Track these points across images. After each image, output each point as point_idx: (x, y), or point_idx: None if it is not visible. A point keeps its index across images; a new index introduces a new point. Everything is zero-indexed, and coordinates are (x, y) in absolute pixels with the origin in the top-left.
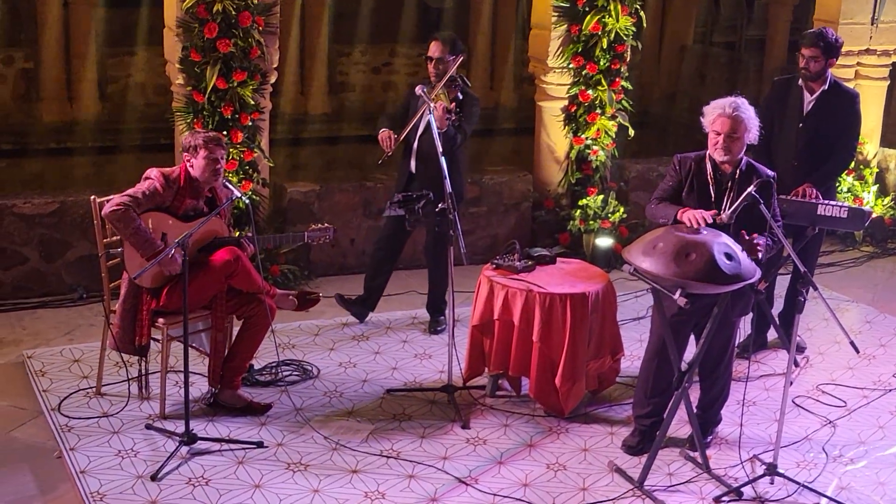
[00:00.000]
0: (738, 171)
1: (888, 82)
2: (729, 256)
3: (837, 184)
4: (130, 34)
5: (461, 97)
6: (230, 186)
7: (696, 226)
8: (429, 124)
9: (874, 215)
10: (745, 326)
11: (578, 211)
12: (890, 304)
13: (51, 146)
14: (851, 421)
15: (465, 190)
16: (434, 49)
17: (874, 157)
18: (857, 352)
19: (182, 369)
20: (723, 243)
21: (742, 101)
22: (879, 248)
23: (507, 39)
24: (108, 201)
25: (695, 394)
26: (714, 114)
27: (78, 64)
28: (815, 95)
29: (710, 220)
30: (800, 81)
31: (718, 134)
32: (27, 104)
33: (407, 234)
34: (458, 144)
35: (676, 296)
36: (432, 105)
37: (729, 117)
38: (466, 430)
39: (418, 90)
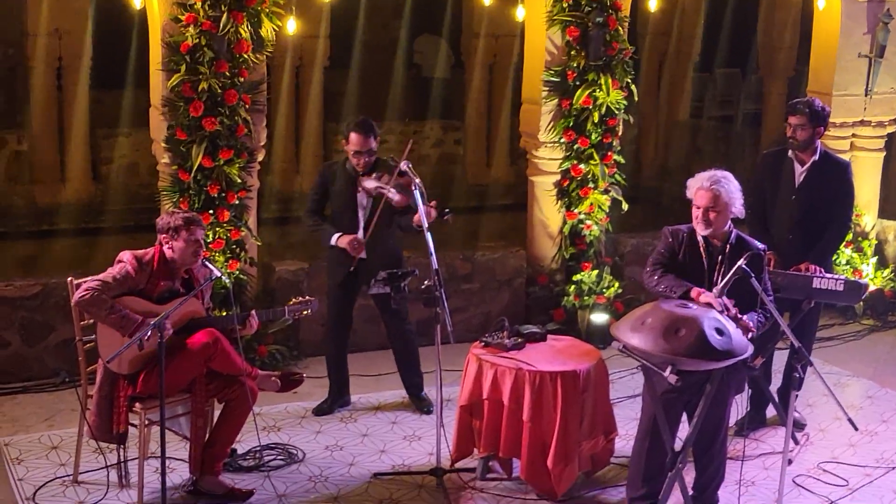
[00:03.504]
0: (727, 245)
1: (884, 153)
2: (720, 332)
3: (836, 256)
4: (124, 115)
5: (418, 185)
6: (209, 266)
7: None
8: (387, 202)
9: (872, 288)
10: (743, 404)
11: (573, 286)
12: (891, 379)
13: (43, 228)
14: (854, 501)
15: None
16: (358, 142)
17: (872, 228)
18: (856, 429)
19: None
20: (713, 318)
21: (723, 175)
22: (880, 321)
23: (503, 115)
24: (79, 286)
25: (690, 475)
26: (694, 187)
27: (71, 145)
28: (805, 167)
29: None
30: (790, 153)
31: (698, 207)
32: (21, 186)
33: (350, 316)
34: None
35: (667, 373)
36: (417, 181)
37: (707, 191)
38: None
39: (404, 166)
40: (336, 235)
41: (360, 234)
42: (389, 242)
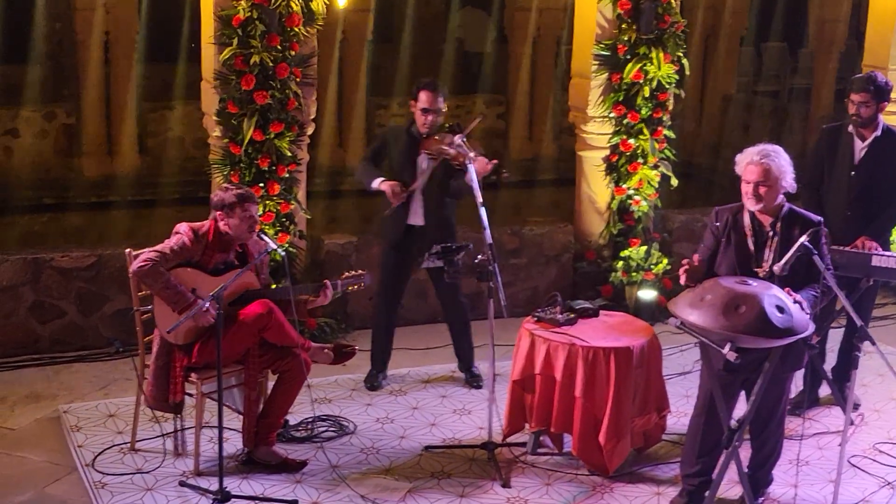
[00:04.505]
0: (778, 221)
1: None
2: (780, 309)
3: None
4: (170, 89)
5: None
6: (265, 238)
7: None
8: (434, 174)
9: None
10: (796, 382)
11: (621, 262)
12: None
13: (91, 200)
14: None
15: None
16: (429, 100)
17: None
18: None
19: (217, 425)
20: (773, 295)
21: (773, 148)
22: None
23: (547, 89)
24: (136, 257)
25: (745, 453)
26: (743, 162)
27: (118, 119)
28: (867, 142)
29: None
30: (850, 128)
31: (748, 183)
32: (68, 159)
33: (402, 287)
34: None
35: (726, 350)
36: (471, 155)
37: (757, 165)
38: (507, 489)
39: (458, 140)
40: (379, 179)
41: (420, 197)
42: (445, 211)
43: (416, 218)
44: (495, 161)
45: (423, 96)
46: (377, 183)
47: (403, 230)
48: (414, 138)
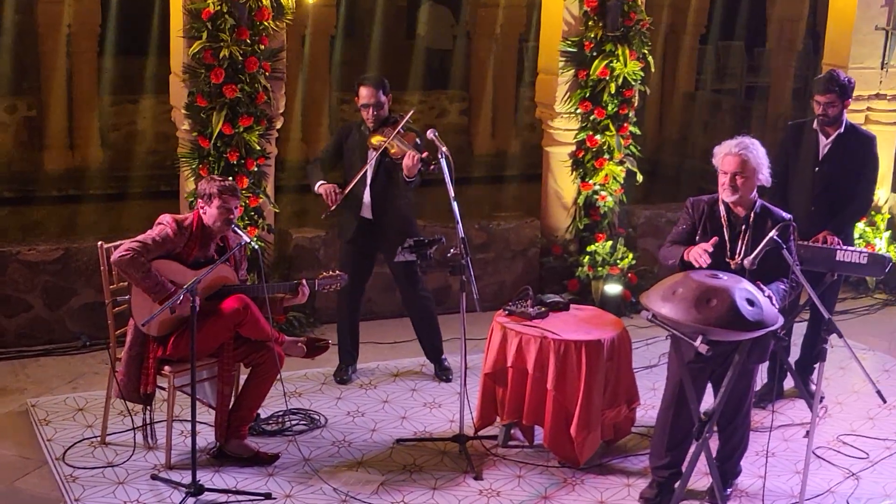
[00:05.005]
0: (751, 214)
1: None
2: (751, 302)
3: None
4: (132, 82)
5: (420, 142)
6: (239, 232)
7: (701, 264)
8: (381, 167)
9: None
10: (760, 375)
11: (587, 257)
12: None
13: (53, 194)
14: (875, 473)
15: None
16: (367, 95)
17: (886, 202)
18: (885, 401)
19: (188, 418)
20: (744, 289)
21: (750, 141)
22: (894, 295)
23: (509, 86)
24: (116, 247)
25: (713, 444)
26: (721, 154)
27: (80, 112)
28: (830, 139)
29: (710, 250)
30: (815, 125)
31: (725, 173)
32: (30, 152)
33: (363, 280)
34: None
35: (697, 342)
36: (444, 149)
37: (735, 156)
38: (479, 482)
39: (430, 134)
40: (318, 183)
41: (368, 190)
42: (398, 203)
43: (367, 211)
44: (426, 153)
45: (361, 91)
46: (316, 187)
47: (356, 225)
48: (364, 134)
